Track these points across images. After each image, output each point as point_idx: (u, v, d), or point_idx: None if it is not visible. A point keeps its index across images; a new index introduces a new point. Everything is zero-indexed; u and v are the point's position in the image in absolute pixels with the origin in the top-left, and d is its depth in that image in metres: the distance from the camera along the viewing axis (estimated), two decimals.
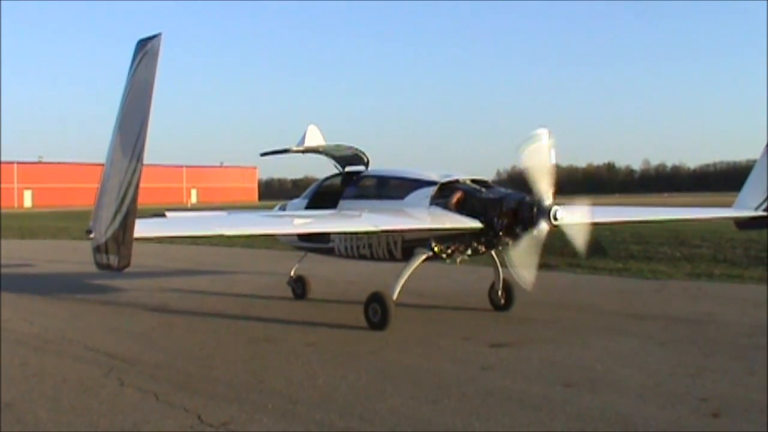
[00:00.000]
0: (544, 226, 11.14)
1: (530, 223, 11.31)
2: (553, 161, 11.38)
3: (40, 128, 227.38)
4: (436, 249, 12.37)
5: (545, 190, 11.22)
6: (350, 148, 14.25)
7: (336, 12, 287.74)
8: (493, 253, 13.06)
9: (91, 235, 8.85)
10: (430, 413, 7.58)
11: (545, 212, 11.14)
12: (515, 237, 11.71)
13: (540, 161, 11.24)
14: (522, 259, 11.07)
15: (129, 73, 8.90)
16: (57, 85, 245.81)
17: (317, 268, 17.09)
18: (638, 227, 29.54)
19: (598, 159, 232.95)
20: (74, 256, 26.34)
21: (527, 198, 11.46)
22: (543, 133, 11.33)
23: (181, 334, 12.03)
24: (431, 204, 12.37)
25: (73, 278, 20.24)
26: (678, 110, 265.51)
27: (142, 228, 8.46)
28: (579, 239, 11.37)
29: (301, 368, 9.50)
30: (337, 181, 15.03)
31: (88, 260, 9.60)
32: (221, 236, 10.63)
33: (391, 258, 13.13)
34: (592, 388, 8.39)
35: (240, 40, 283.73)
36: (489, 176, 13.87)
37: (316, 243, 14.52)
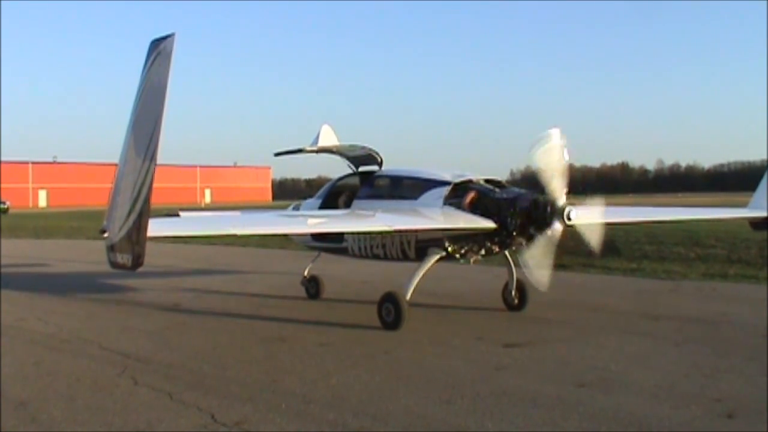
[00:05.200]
0: (558, 227, 11.12)
1: (544, 223, 11.29)
2: (566, 161, 11.35)
3: (54, 128, 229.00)
4: (449, 249, 12.36)
5: (558, 190, 11.20)
6: (364, 148, 14.24)
7: (350, 12, 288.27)
8: (506, 253, 13.04)
9: (105, 235, 8.89)
10: (443, 413, 7.57)
11: (559, 212, 11.11)
12: (529, 237, 11.70)
13: (553, 161, 11.21)
14: (536, 260, 11.04)
15: (142, 74, 8.93)
16: (71, 85, 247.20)
17: (331, 268, 17.10)
18: (652, 227, 29.45)
19: (612, 159, 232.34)
20: (88, 256, 26.42)
21: (541, 198, 11.44)
22: (555, 133, 11.31)
23: (194, 334, 12.06)
24: (445, 204, 12.36)
25: (87, 278, 20.33)
26: (692, 110, 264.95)
27: (156, 228, 8.48)
28: (593, 239, 11.34)
29: (315, 368, 9.51)
30: (351, 181, 15.04)
31: (102, 260, 9.63)
32: (235, 236, 10.65)
33: (405, 258, 13.13)
34: (605, 389, 8.37)
35: (253, 40, 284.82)
36: (502, 176, 13.86)
37: (329, 243, 14.52)
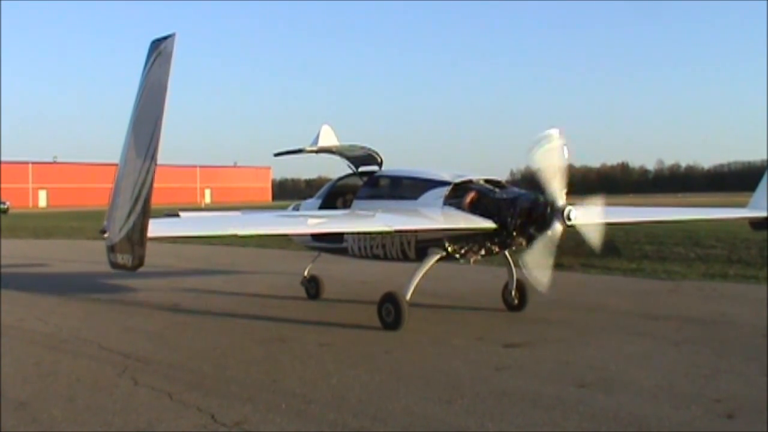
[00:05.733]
0: (558, 227, 11.12)
1: (544, 224, 11.29)
2: (566, 161, 11.35)
3: (54, 128, 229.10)
4: (449, 249, 12.35)
5: (558, 190, 11.19)
6: (364, 148, 14.23)
7: (349, 12, 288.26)
8: (506, 253, 13.04)
9: (106, 235, 8.89)
10: (443, 413, 7.57)
11: (559, 212, 11.11)
12: (529, 237, 11.70)
13: (552, 161, 11.21)
14: (537, 261, 11.03)
15: (143, 74, 8.92)
16: (71, 85, 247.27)
17: (331, 268, 17.09)
18: (652, 227, 29.44)
19: (612, 159, 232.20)
20: (88, 256, 26.43)
21: (541, 198, 11.44)
22: (554, 133, 11.31)
23: (194, 334, 12.05)
24: (445, 204, 12.36)
25: (87, 278, 20.32)
26: (692, 110, 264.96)
27: (156, 228, 8.46)
28: (593, 238, 11.33)
29: (315, 368, 9.51)
30: (351, 181, 15.03)
31: (102, 260, 9.63)
32: (235, 236, 10.64)
33: (405, 258, 13.12)
34: (605, 389, 8.37)
35: (253, 40, 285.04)
36: (502, 176, 13.86)
37: (329, 243, 14.52)
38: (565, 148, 11.30)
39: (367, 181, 14.41)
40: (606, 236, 11.50)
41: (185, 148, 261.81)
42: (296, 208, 15.97)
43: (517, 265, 13.17)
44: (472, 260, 13.03)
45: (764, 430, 6.99)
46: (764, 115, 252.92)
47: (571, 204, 11.18)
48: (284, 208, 17.93)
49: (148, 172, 8.18)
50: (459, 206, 12.21)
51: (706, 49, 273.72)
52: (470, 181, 12.71)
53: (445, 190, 12.53)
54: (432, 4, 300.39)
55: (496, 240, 12.19)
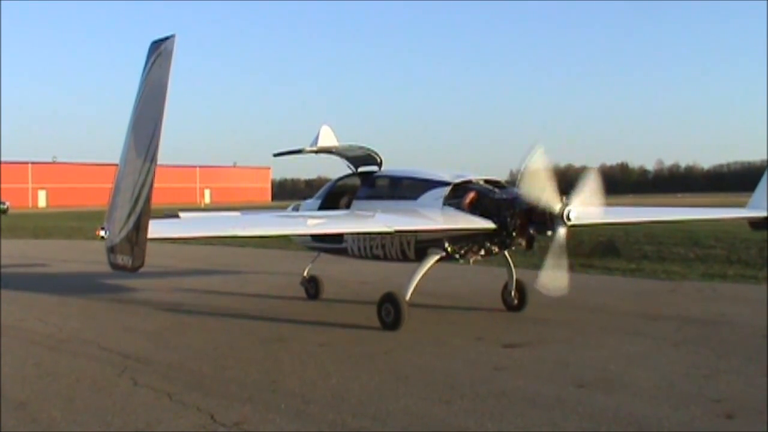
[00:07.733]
0: (562, 231, 11.13)
1: (543, 224, 11.31)
2: (549, 164, 11.32)
3: (54, 128, 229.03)
4: (449, 249, 12.35)
5: (551, 196, 11.20)
6: (363, 148, 14.23)
7: (350, 12, 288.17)
8: (506, 253, 13.04)
9: (100, 234, 8.88)
10: (443, 413, 7.57)
11: (558, 216, 11.12)
12: (529, 237, 11.70)
13: (539, 170, 11.19)
14: (552, 269, 11.01)
15: (143, 74, 8.94)
16: (71, 85, 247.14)
17: (330, 269, 17.10)
18: (652, 228, 29.46)
19: (612, 159, 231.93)
20: (88, 256, 26.42)
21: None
22: (534, 145, 11.28)
23: (194, 334, 12.06)
24: (444, 204, 12.36)
25: (86, 278, 20.31)
26: (692, 110, 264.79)
27: (156, 228, 8.47)
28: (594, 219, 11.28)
29: (314, 368, 9.51)
30: (351, 181, 15.03)
31: (102, 260, 9.64)
32: (235, 237, 10.64)
33: (405, 258, 13.12)
34: (605, 389, 8.38)
35: (253, 41, 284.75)
36: (502, 176, 13.83)
37: (329, 243, 14.52)
38: (541, 151, 11.23)
39: (366, 181, 14.40)
40: (606, 236, 11.49)
41: (185, 149, 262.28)
42: (296, 209, 15.97)
43: (516, 265, 13.21)
44: (471, 260, 13.03)
45: (764, 430, 7.00)
46: (764, 115, 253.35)
47: (566, 204, 11.18)
48: (284, 208, 17.93)
49: (148, 172, 8.19)
50: (459, 206, 12.22)
51: (706, 49, 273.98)
52: (470, 182, 12.71)
53: (444, 191, 12.53)
54: (432, 4, 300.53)
55: (495, 240, 12.19)
